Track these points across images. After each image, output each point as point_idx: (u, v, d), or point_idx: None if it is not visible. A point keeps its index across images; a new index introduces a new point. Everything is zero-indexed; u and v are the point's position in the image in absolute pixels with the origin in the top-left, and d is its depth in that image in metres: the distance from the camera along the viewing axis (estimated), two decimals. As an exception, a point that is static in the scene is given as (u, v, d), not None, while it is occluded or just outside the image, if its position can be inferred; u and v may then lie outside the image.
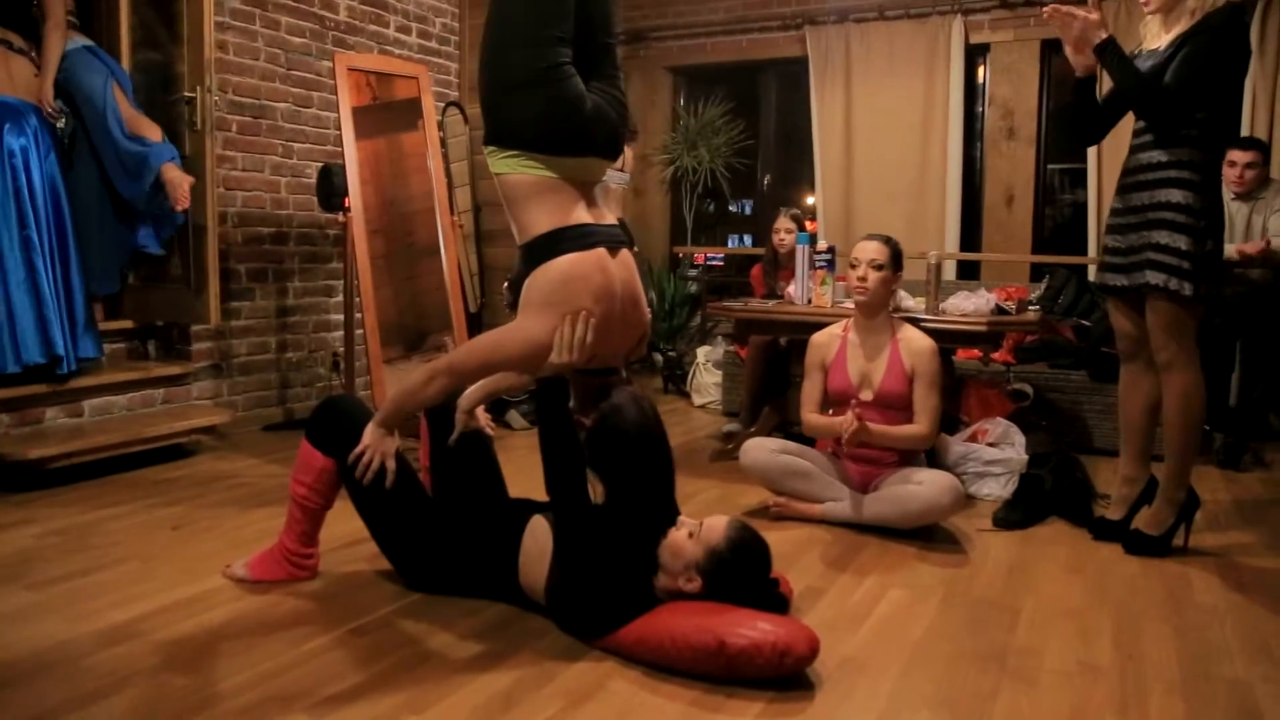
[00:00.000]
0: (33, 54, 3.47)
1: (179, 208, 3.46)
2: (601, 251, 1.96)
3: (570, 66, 1.93)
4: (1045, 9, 2.72)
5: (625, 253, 2.05)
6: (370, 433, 2.13)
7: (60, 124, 3.49)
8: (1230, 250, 3.77)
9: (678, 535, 2.03)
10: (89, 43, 3.61)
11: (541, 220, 1.94)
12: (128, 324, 3.90)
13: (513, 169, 1.94)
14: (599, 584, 1.99)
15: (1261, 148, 4.14)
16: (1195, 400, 2.63)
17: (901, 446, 2.92)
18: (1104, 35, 2.61)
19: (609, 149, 2.03)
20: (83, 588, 2.28)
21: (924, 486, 2.77)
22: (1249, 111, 4.91)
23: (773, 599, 2.07)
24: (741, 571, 2.00)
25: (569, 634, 2.03)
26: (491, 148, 1.97)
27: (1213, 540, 2.84)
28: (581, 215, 1.97)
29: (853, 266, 2.98)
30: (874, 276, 2.93)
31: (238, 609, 2.17)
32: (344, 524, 2.44)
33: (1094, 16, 2.62)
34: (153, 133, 3.55)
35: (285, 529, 2.31)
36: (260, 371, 4.32)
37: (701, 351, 5.33)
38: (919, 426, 2.90)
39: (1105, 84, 2.75)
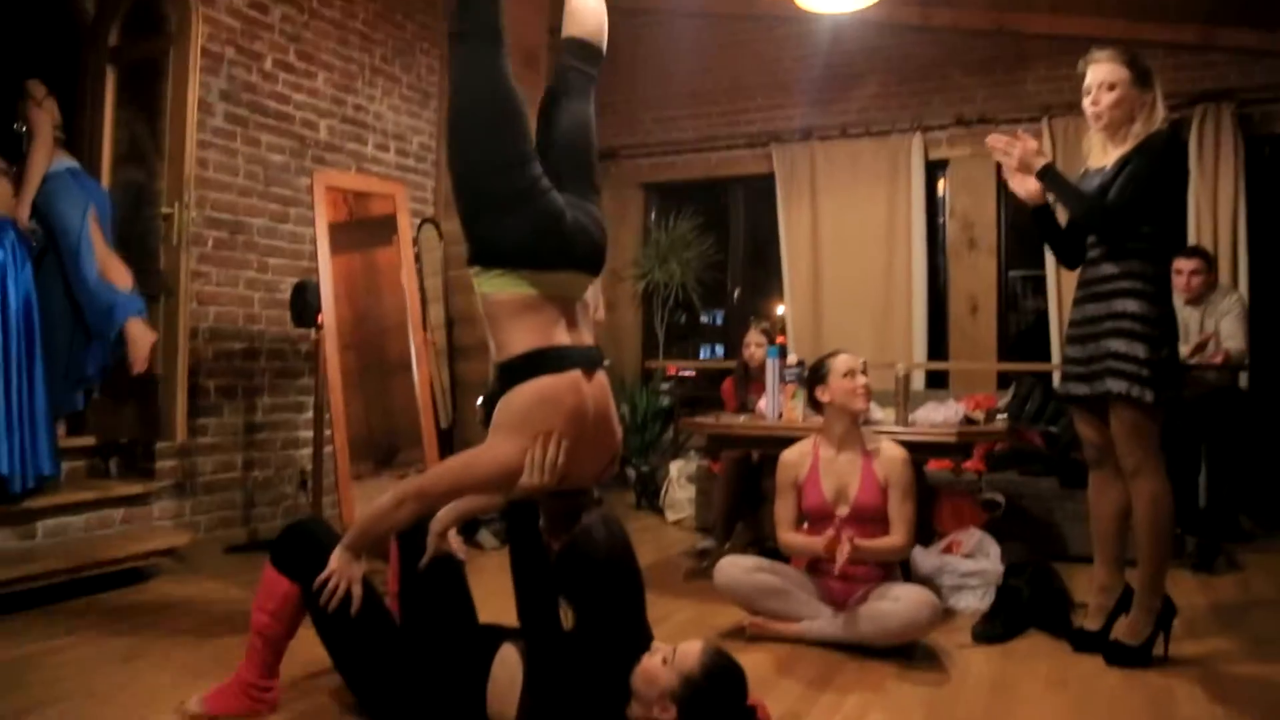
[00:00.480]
0: (13, 172, 3.51)
1: (136, 369, 3.45)
2: (577, 374, 1.96)
3: (546, 181, 1.97)
4: (987, 139, 2.84)
5: (600, 374, 2.06)
6: (337, 557, 2.08)
7: (33, 243, 3.49)
8: (1184, 352, 3.85)
9: (651, 662, 1.96)
10: (74, 165, 3.64)
11: (519, 340, 1.95)
12: (90, 440, 3.82)
13: (496, 288, 1.95)
14: (571, 714, 1.92)
15: (1204, 255, 4.30)
16: (1164, 505, 2.64)
17: (881, 560, 2.89)
18: (1043, 161, 2.71)
19: (591, 263, 2.05)
20: (19, 730, 2.17)
21: (901, 603, 2.73)
22: (1193, 221, 5.11)
23: None
24: (718, 700, 1.94)
25: None
26: (475, 267, 1.98)
27: (1192, 648, 2.81)
28: (560, 336, 1.98)
29: (848, 375, 3.00)
30: (865, 381, 3.02)
31: (190, 746, 2.06)
32: (306, 652, 2.35)
33: (1031, 145, 2.74)
34: (122, 278, 3.54)
35: (245, 659, 2.22)
36: (225, 490, 4.23)
37: (674, 466, 5.30)
38: (896, 538, 2.88)
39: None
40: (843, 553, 2.75)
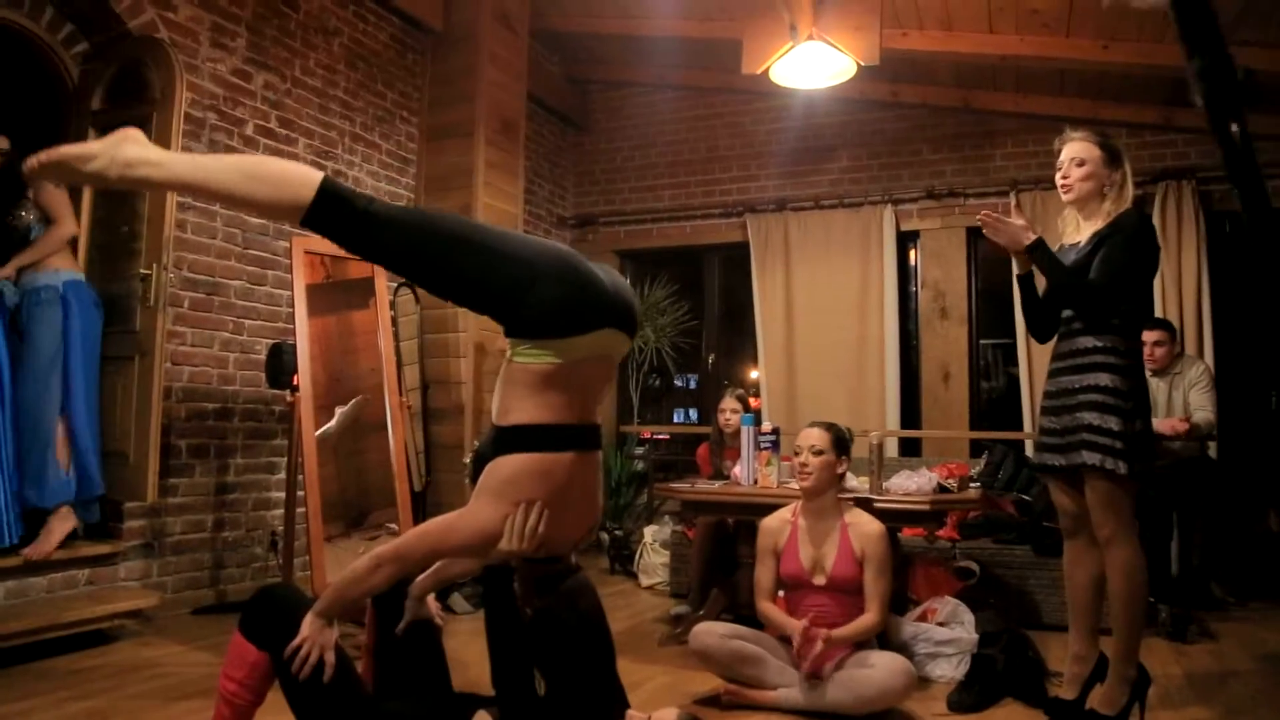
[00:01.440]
0: None
1: (33, 556, 3.36)
2: (571, 455, 1.93)
3: (553, 246, 1.96)
4: (979, 215, 2.93)
5: (596, 453, 2.05)
6: (309, 624, 2.04)
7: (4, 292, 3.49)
8: (1157, 424, 3.92)
9: None
10: (79, 277, 3.63)
11: (528, 411, 1.91)
12: (56, 501, 3.76)
13: (530, 359, 1.90)
14: None
15: (1168, 327, 4.41)
16: (1137, 574, 2.66)
17: (855, 640, 2.89)
18: (1032, 237, 2.79)
19: (630, 321, 2.01)
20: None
21: (877, 670, 2.73)
22: (1159, 295, 5.25)
23: None
24: None
25: None
26: (514, 340, 1.93)
27: (1168, 718, 2.81)
28: (570, 414, 1.93)
29: (796, 453, 3.05)
30: (815, 461, 3.00)
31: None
32: (274, 718, 2.30)
33: (1020, 221, 2.82)
34: (61, 456, 3.48)
35: None
36: (194, 551, 4.16)
37: (649, 531, 5.28)
38: (870, 616, 2.90)
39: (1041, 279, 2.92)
40: (815, 649, 2.77)
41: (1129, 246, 2.69)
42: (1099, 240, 2.73)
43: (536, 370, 1.90)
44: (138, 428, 3.63)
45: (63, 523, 3.48)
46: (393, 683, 2.19)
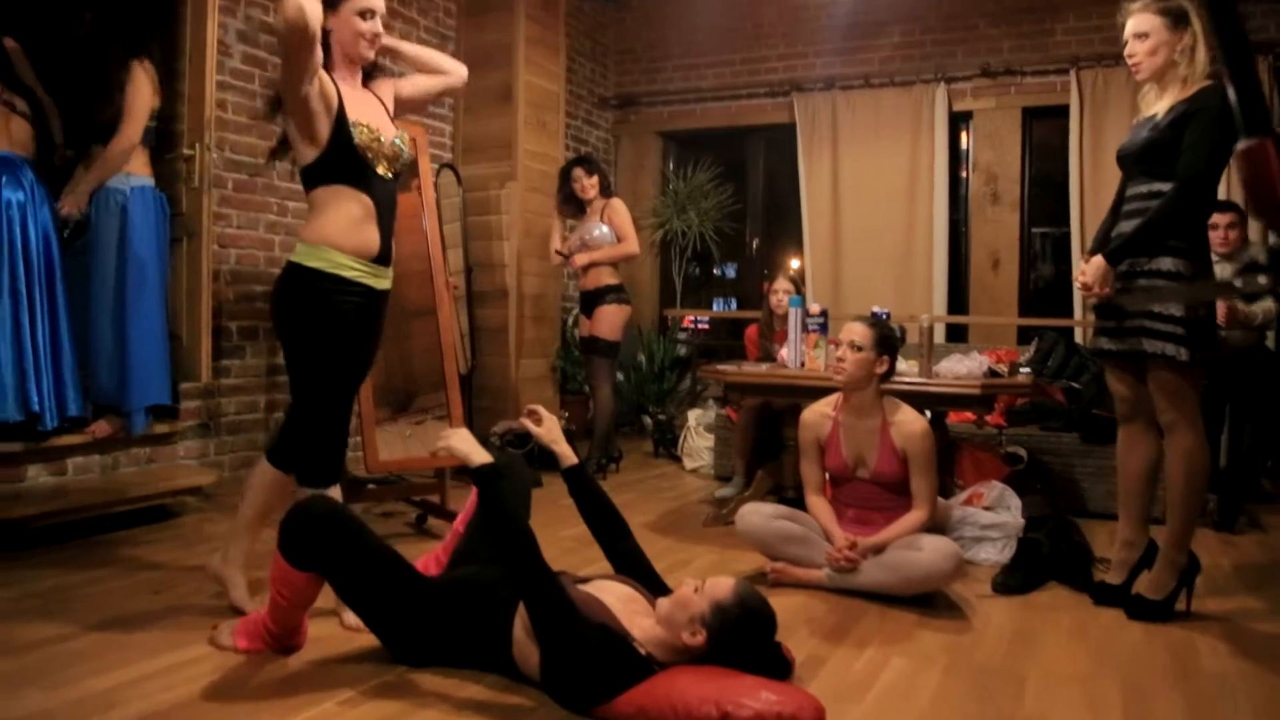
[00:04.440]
0: (30, 117, 3.47)
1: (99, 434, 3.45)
2: None
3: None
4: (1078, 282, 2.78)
5: None
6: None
7: (67, 229, 3.41)
8: (1221, 311, 3.81)
9: (684, 590, 1.99)
10: (147, 183, 3.50)
11: None
12: (115, 381, 3.85)
13: None
14: (584, 655, 1.93)
15: (1238, 209, 4.23)
16: (1198, 461, 2.63)
17: (905, 536, 2.87)
18: (1097, 260, 2.67)
19: None
20: (61, 654, 2.20)
21: (925, 553, 2.74)
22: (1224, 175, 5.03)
23: (777, 662, 2.02)
24: (748, 629, 1.96)
25: (566, 709, 1.97)
26: None
27: (1215, 605, 2.82)
28: None
29: (834, 346, 3.00)
30: (851, 357, 2.93)
31: (222, 678, 2.09)
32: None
33: (1093, 272, 2.69)
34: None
35: (268, 614, 2.19)
36: (248, 431, 4.26)
37: (692, 415, 5.31)
38: (918, 513, 2.89)
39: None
40: (854, 565, 2.82)
41: (1212, 131, 2.54)
42: (1179, 119, 2.59)
43: None
44: (189, 309, 3.66)
45: (105, 425, 3.52)
46: (471, 554, 2.27)
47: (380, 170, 2.41)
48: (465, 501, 2.56)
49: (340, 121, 2.33)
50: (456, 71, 2.69)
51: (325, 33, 2.32)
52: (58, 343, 3.37)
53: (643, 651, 1.96)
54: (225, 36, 4.08)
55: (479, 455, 2.14)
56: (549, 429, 2.39)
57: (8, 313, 3.22)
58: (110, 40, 3.44)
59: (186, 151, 3.62)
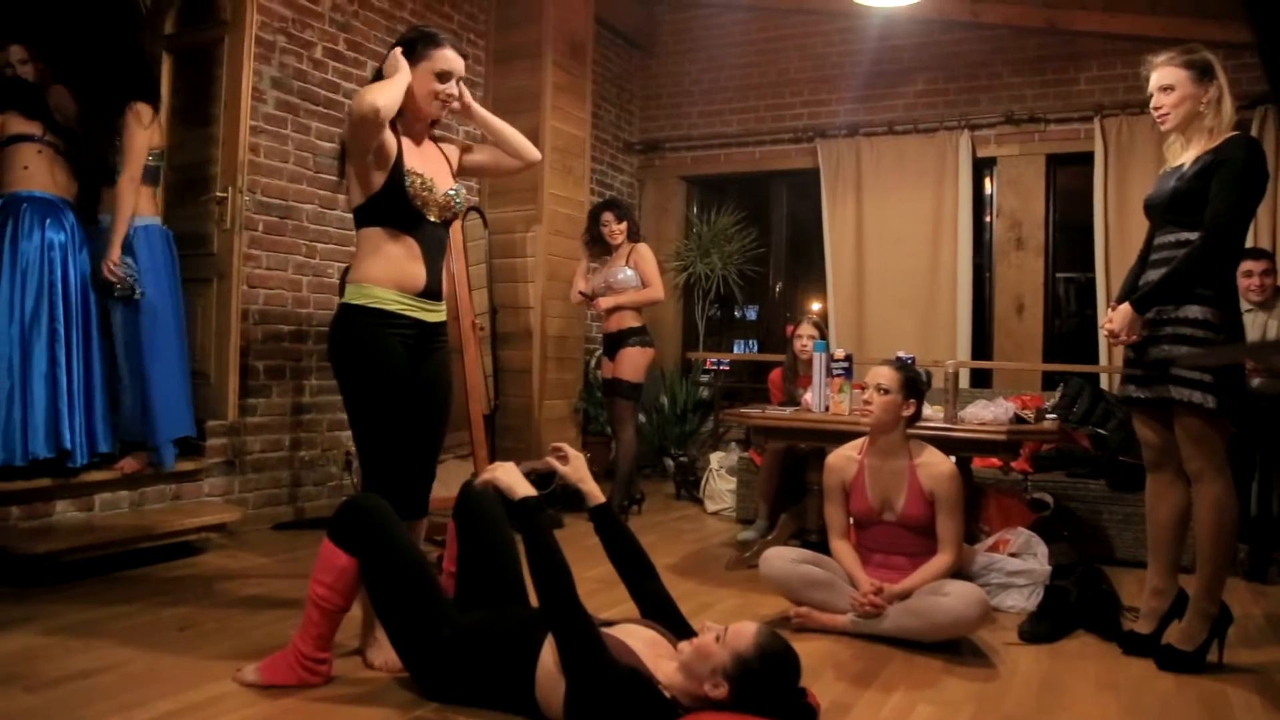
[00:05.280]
0: (71, 158, 3.58)
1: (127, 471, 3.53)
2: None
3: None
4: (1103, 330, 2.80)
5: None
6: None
7: (119, 288, 3.42)
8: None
9: (705, 639, 1.97)
10: (152, 222, 3.57)
11: None
12: (143, 418, 3.90)
13: None
14: (613, 695, 1.92)
15: (1270, 257, 4.21)
16: (1228, 510, 2.59)
17: (931, 580, 2.85)
18: (1124, 307, 2.67)
19: None
20: (84, 690, 2.21)
21: (951, 598, 2.71)
22: (1252, 224, 5.01)
23: (801, 710, 2.00)
24: (771, 680, 1.93)
25: None
26: None
27: (1247, 656, 2.76)
28: None
29: (861, 390, 3.00)
30: (878, 400, 2.93)
31: (247, 715, 2.09)
32: (358, 627, 2.38)
33: (1108, 326, 2.72)
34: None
35: (300, 632, 2.25)
36: (272, 469, 4.29)
37: (715, 457, 5.29)
38: (944, 558, 2.87)
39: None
40: (878, 609, 2.80)
41: (1240, 180, 2.54)
42: (1205, 169, 2.59)
43: None
44: (217, 348, 3.72)
45: (133, 461, 3.59)
46: (472, 596, 2.25)
47: (431, 217, 2.47)
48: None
49: (396, 170, 2.39)
50: (528, 157, 2.71)
51: None
52: (90, 381, 3.43)
53: (668, 695, 1.94)
54: (259, 83, 4.18)
55: (523, 488, 2.17)
56: (576, 467, 2.38)
57: (44, 351, 3.29)
58: (100, 87, 3.56)
59: (219, 194, 3.70)
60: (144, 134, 3.48)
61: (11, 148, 3.45)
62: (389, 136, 2.37)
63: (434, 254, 2.49)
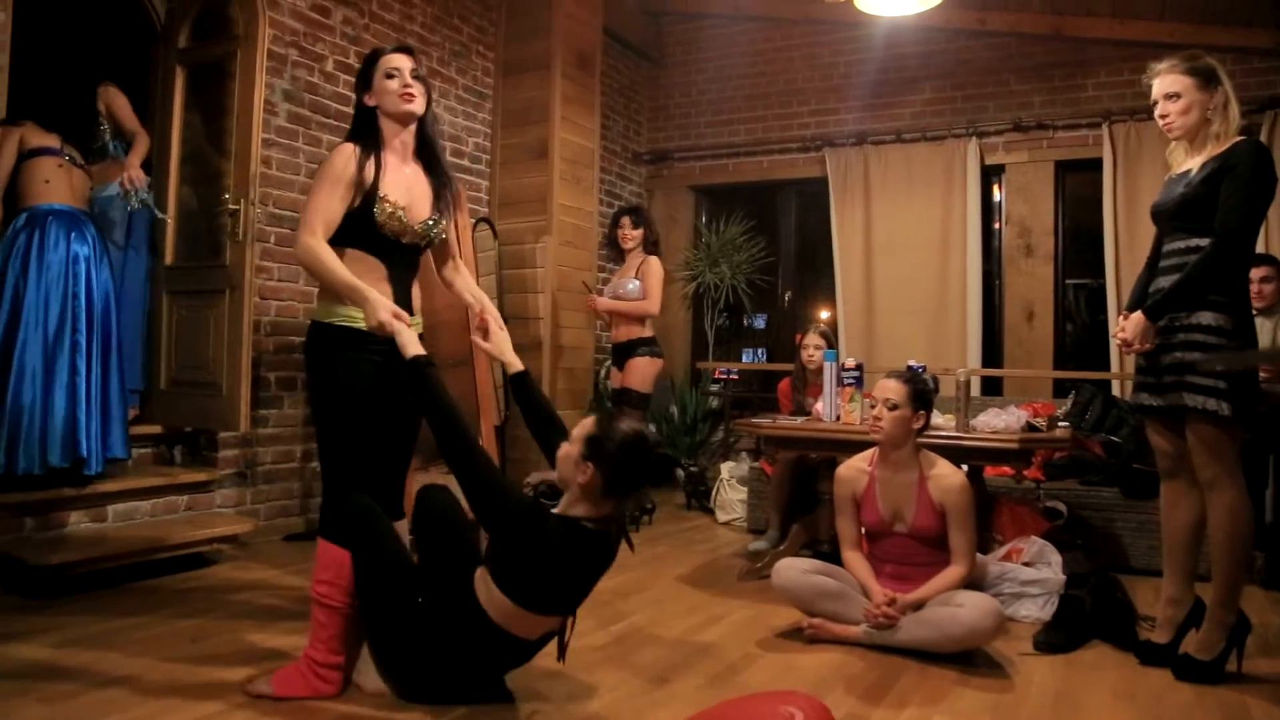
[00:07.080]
0: (88, 169, 3.63)
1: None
2: None
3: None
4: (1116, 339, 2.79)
5: None
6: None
7: (137, 200, 3.68)
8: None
9: (562, 447, 2.19)
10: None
11: None
12: (156, 429, 3.93)
13: None
14: (513, 521, 2.10)
15: (1274, 263, 4.19)
16: (1242, 517, 2.57)
17: (944, 591, 2.84)
18: (1137, 316, 2.67)
19: None
20: (96, 702, 2.21)
21: (965, 609, 2.69)
22: (1261, 229, 4.99)
23: (663, 463, 2.27)
24: (620, 443, 2.11)
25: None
26: None
27: (1267, 666, 2.74)
28: None
29: (870, 400, 2.99)
30: (888, 416, 2.90)
31: (259, 728, 2.09)
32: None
33: (1121, 334, 2.71)
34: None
35: (311, 638, 2.26)
36: (284, 480, 4.30)
37: (725, 467, 5.28)
38: (957, 569, 2.85)
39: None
40: (892, 621, 2.79)
41: (1250, 184, 2.53)
42: (1214, 174, 2.58)
43: None
44: (229, 360, 3.73)
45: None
46: (433, 565, 2.37)
47: (404, 241, 2.51)
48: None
49: (369, 197, 2.43)
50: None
51: (372, 110, 2.51)
52: (108, 390, 3.44)
53: (571, 515, 2.15)
54: (271, 96, 4.21)
55: (414, 347, 2.27)
56: (497, 342, 2.58)
57: (65, 362, 3.31)
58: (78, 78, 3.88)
59: (232, 206, 3.71)
60: (123, 98, 3.79)
61: (32, 161, 3.48)
62: (367, 169, 2.43)
63: (402, 275, 2.54)
